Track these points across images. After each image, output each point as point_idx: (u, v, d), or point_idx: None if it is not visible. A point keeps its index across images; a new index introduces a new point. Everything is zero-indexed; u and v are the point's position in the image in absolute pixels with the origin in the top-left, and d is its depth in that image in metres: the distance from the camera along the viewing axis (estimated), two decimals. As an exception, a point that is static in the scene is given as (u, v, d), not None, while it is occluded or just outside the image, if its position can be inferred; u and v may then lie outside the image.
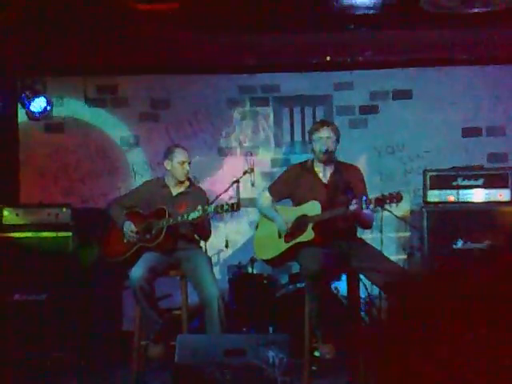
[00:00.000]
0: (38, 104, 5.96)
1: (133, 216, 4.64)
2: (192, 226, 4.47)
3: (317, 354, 4.15)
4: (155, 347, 4.37)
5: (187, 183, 4.77)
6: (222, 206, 4.24)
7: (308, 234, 4.03)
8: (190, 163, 4.70)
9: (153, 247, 4.45)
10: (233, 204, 4.23)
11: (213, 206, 4.32)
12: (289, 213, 4.20)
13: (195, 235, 4.64)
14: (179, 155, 4.64)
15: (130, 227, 4.54)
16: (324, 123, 4.31)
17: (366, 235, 4.67)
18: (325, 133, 4.19)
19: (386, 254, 4.43)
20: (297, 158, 5.94)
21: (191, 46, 5.68)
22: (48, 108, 5.99)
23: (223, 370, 3.32)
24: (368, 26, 5.24)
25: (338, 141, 4.23)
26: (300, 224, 4.09)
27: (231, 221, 5.50)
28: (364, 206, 3.79)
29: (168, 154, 4.68)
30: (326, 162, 4.22)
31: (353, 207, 3.82)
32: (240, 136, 6.38)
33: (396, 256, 5.86)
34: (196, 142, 6.30)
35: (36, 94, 5.94)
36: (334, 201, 4.08)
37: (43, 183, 6.29)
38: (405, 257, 5.82)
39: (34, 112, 5.99)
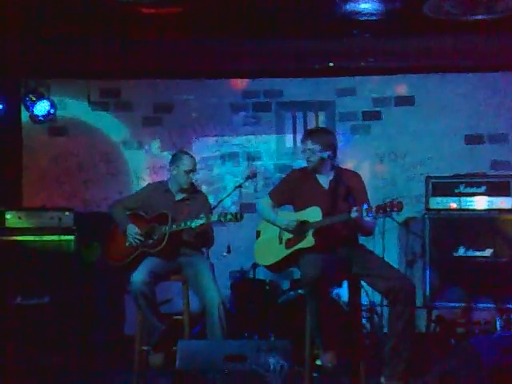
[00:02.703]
0: (42, 107, 5.99)
1: (135, 219, 4.64)
2: (195, 233, 4.47)
3: (318, 362, 4.14)
4: (156, 356, 4.37)
5: (190, 189, 4.77)
6: (226, 214, 4.24)
7: (308, 241, 4.03)
8: (195, 172, 4.71)
9: (155, 253, 4.45)
10: (236, 214, 4.23)
11: (216, 214, 4.31)
12: (290, 218, 4.19)
13: (198, 242, 4.63)
14: (187, 163, 4.64)
15: (134, 230, 4.54)
16: (309, 134, 4.28)
17: (368, 241, 4.67)
18: (307, 145, 4.20)
19: (387, 260, 4.43)
20: (299, 164, 5.92)
21: (194, 51, 5.69)
22: (51, 111, 6.02)
23: (224, 375, 3.32)
24: (371, 33, 5.24)
25: (325, 150, 4.17)
26: (301, 230, 4.08)
27: (233, 226, 5.48)
28: (365, 213, 3.79)
29: (176, 160, 4.68)
30: (327, 168, 4.21)
31: (354, 214, 3.82)
32: (242, 141, 6.39)
33: (397, 263, 5.86)
34: (199, 146, 6.31)
35: (40, 97, 5.96)
36: (335, 207, 4.08)
37: (46, 186, 6.30)
38: (406, 263, 5.83)
39: (37, 115, 6.02)
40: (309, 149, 4.18)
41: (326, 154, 4.16)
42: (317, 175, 4.27)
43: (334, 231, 4.05)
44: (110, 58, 5.79)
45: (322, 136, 4.24)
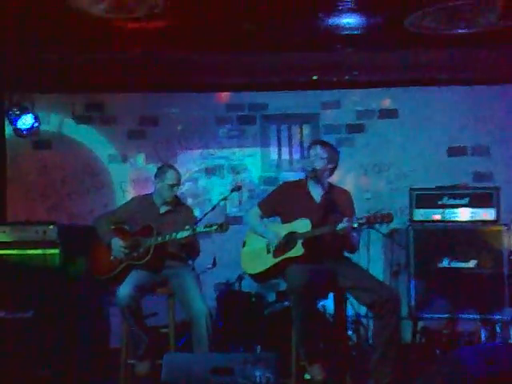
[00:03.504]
0: (26, 121, 5.96)
1: (119, 233, 4.63)
2: (180, 245, 4.47)
3: (307, 376, 4.13)
4: (142, 364, 4.36)
5: (175, 201, 4.78)
6: (211, 225, 4.24)
7: (297, 250, 4.05)
8: (179, 186, 4.70)
9: (141, 265, 4.44)
10: (221, 224, 4.22)
11: (202, 225, 4.31)
12: (278, 229, 4.21)
13: (183, 253, 4.63)
14: (171, 177, 4.65)
15: (118, 242, 4.53)
16: (317, 142, 4.36)
17: (353, 254, 4.69)
18: (315, 151, 4.22)
19: (372, 272, 4.45)
20: (284, 176, 5.98)
21: (179, 65, 5.71)
22: (35, 125, 6.00)
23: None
24: (354, 46, 5.29)
25: (329, 160, 4.23)
26: (289, 240, 4.10)
27: (219, 239, 5.50)
28: (356, 223, 3.83)
29: (160, 173, 4.69)
30: (315, 180, 4.24)
31: (343, 225, 3.85)
32: (228, 154, 6.41)
33: (382, 274, 5.89)
34: (184, 159, 6.32)
35: (23, 111, 5.94)
36: (324, 220, 4.11)
37: (30, 200, 6.28)
38: (391, 275, 5.86)
39: (21, 129, 6.00)
40: (316, 155, 4.20)
41: (330, 165, 4.21)
42: (310, 189, 4.29)
43: (323, 242, 4.07)
44: (94, 72, 5.79)
45: (331, 148, 4.31)
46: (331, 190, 4.22)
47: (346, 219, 3.85)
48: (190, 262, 4.82)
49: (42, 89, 6.16)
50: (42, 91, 6.20)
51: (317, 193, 4.26)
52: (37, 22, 4.54)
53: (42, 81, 5.98)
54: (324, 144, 4.30)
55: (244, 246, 4.40)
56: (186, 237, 4.32)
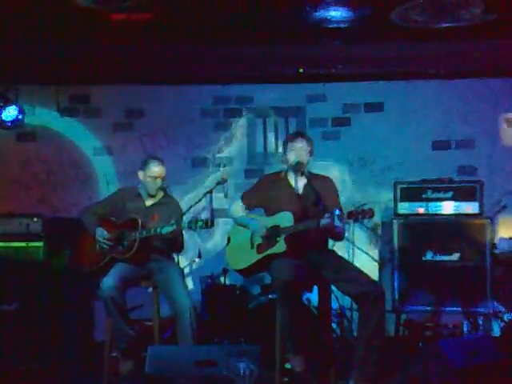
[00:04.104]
0: (10, 113, 5.92)
1: (105, 223, 4.62)
2: (165, 239, 4.46)
3: (288, 366, 4.16)
4: (126, 363, 4.36)
5: (161, 194, 4.77)
6: (197, 221, 4.22)
7: (280, 246, 4.05)
8: (163, 179, 4.68)
9: (125, 259, 4.43)
10: (207, 221, 4.21)
11: (187, 221, 4.29)
12: (261, 222, 4.21)
13: (168, 248, 4.62)
14: (153, 169, 4.62)
15: (102, 234, 4.52)
16: (299, 134, 4.35)
17: (338, 247, 4.70)
18: (299, 144, 4.22)
19: (357, 265, 4.47)
20: (270, 169, 5.96)
21: (165, 57, 5.69)
22: (20, 117, 5.95)
23: (194, 381, 3.32)
24: (341, 40, 5.30)
25: (311, 153, 4.27)
26: (272, 235, 4.10)
27: (204, 232, 5.49)
28: (336, 219, 3.82)
29: (143, 165, 4.67)
30: (298, 173, 4.24)
31: (325, 221, 3.85)
32: (213, 147, 6.40)
33: (367, 267, 5.90)
34: (170, 152, 6.30)
35: (8, 103, 5.89)
36: (306, 212, 4.11)
37: (14, 193, 6.23)
38: (376, 268, 5.88)
39: (5, 121, 5.95)
40: (301, 148, 4.19)
41: (311, 157, 4.22)
42: (290, 180, 4.29)
43: (305, 237, 4.07)
44: (79, 64, 5.75)
45: (310, 139, 4.32)
46: (312, 179, 4.19)
47: (327, 215, 3.84)
48: (175, 255, 4.82)
49: (26, 80, 6.11)
50: (27, 83, 6.15)
51: (297, 184, 4.26)
52: (21, 12, 4.51)
53: (27, 72, 5.93)
54: (305, 136, 4.31)
55: (228, 242, 4.39)
56: (170, 232, 4.31)
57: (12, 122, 5.95)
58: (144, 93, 6.33)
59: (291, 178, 4.30)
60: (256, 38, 5.19)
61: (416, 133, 6.22)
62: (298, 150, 4.20)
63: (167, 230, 4.30)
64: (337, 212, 3.82)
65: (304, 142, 4.22)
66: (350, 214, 3.82)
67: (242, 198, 4.41)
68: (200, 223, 4.21)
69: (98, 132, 6.36)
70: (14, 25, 4.75)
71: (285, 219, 4.09)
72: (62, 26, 4.79)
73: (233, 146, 6.41)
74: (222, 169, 6.24)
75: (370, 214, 3.79)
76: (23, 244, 5.31)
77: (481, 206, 5.44)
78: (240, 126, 6.41)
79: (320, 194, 4.01)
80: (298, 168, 4.20)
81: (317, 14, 4.68)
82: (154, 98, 6.35)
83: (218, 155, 6.37)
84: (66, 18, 4.62)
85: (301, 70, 6.05)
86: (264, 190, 4.34)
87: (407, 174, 5.98)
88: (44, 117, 6.32)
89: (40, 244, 5.32)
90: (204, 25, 4.87)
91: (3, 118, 5.92)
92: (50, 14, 4.56)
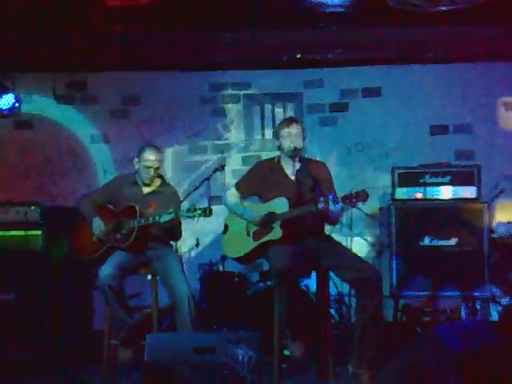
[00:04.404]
0: (7, 100, 5.90)
1: (103, 212, 4.61)
2: (163, 228, 4.45)
3: (286, 352, 4.17)
4: (125, 351, 4.36)
5: (158, 181, 4.75)
6: (195, 209, 4.20)
7: (276, 233, 4.05)
8: (158, 168, 4.65)
9: (123, 248, 4.43)
10: (205, 209, 4.19)
11: (185, 209, 4.28)
12: (256, 210, 4.20)
13: (166, 236, 4.62)
14: (147, 158, 4.58)
15: (99, 225, 4.51)
16: (293, 120, 4.32)
17: (336, 232, 4.71)
18: (294, 129, 4.20)
19: (355, 251, 4.47)
20: (268, 156, 5.95)
21: (162, 43, 5.66)
22: (16, 105, 5.94)
23: (193, 368, 3.33)
24: (338, 24, 5.27)
25: (304, 138, 4.26)
26: (268, 221, 4.10)
27: (202, 219, 5.49)
28: (331, 203, 3.81)
29: (139, 153, 4.64)
30: (293, 159, 4.23)
31: (320, 205, 3.84)
32: (211, 133, 6.39)
33: (365, 253, 5.93)
34: (167, 139, 6.30)
35: (4, 91, 5.88)
36: (301, 197, 4.09)
37: (12, 181, 6.23)
38: (374, 254, 5.89)
39: (2, 109, 5.94)
40: (296, 133, 4.18)
41: (304, 142, 4.21)
42: (283, 166, 4.28)
43: (301, 222, 4.06)
44: (75, 51, 5.73)
45: (302, 123, 4.31)
46: (306, 164, 4.16)
47: (321, 199, 3.82)
48: (173, 243, 4.81)
49: (22, 68, 6.08)
50: (23, 70, 6.12)
51: (291, 170, 4.25)
52: (17, 0, 4.48)
53: (23, 59, 5.91)
54: (298, 121, 4.29)
55: (224, 231, 4.38)
56: (168, 220, 4.30)
57: (9, 109, 5.94)
58: (141, 80, 6.31)
59: (286, 164, 4.29)
60: (253, 23, 5.16)
61: (414, 118, 6.22)
62: (294, 136, 4.18)
63: (165, 218, 4.29)
64: (331, 196, 3.81)
65: (299, 128, 4.21)
66: (344, 198, 3.80)
67: (237, 187, 4.39)
68: (198, 211, 4.19)
69: (95, 119, 6.35)
70: (10, 12, 4.72)
71: (280, 205, 4.09)
72: (59, 12, 4.75)
73: (230, 132, 6.40)
74: (219, 156, 6.23)
75: (363, 196, 3.77)
76: (21, 232, 5.30)
77: (478, 191, 5.44)
78: (237, 112, 6.40)
79: (315, 178, 3.99)
80: (294, 154, 4.19)
81: (314, -2, 4.66)
82: (150, 84, 6.33)
83: (216, 142, 6.36)
84: (63, 4, 4.59)
85: (298, 56, 6.03)
86: (258, 177, 4.32)
87: (405, 159, 5.98)
88: (41, 104, 6.31)
89: (38, 232, 5.31)
90: (201, 11, 4.84)
91: (0, 105, 5.91)
92: (46, 1, 4.53)
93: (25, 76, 6.17)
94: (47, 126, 6.32)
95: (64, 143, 6.32)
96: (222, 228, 4.42)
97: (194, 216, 4.22)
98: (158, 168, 4.63)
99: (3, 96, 5.89)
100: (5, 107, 5.94)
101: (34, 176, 6.28)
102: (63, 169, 6.29)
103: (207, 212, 4.19)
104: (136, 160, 4.64)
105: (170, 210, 4.30)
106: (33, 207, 5.38)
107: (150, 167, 4.59)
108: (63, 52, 5.72)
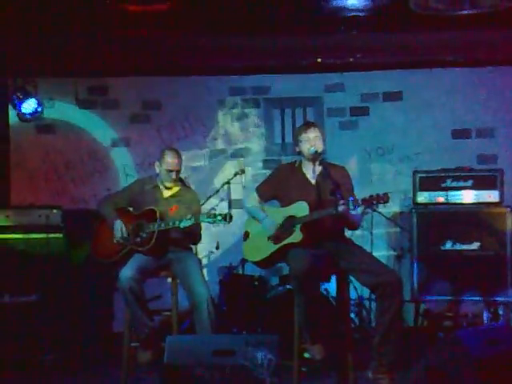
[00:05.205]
0: (29, 105, 5.98)
1: (123, 214, 4.62)
2: (183, 231, 4.45)
3: (306, 355, 4.15)
4: (144, 353, 4.36)
5: (179, 185, 4.76)
6: (215, 215, 4.19)
7: (296, 236, 4.04)
8: (179, 171, 4.66)
9: (144, 251, 4.44)
10: (225, 215, 4.18)
11: (205, 214, 4.27)
12: (276, 213, 4.20)
13: (185, 239, 4.62)
14: (170, 161, 4.59)
15: (120, 227, 4.52)
16: (311, 124, 4.32)
17: (356, 236, 4.67)
18: (313, 133, 4.20)
19: (375, 255, 4.44)
20: (288, 160, 5.95)
21: (182, 48, 5.69)
22: (39, 109, 6.02)
23: (212, 370, 3.32)
24: (358, 28, 5.26)
25: (324, 141, 4.26)
26: (288, 225, 4.09)
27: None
28: (351, 206, 3.79)
29: (160, 156, 4.66)
30: (314, 162, 4.23)
31: (341, 208, 3.82)
32: (231, 137, 6.40)
33: (386, 257, 5.89)
34: (187, 143, 6.33)
35: (27, 96, 5.95)
36: (322, 201, 4.08)
37: (34, 184, 6.29)
38: (395, 258, 5.85)
39: (24, 113, 6.02)
40: (315, 136, 4.18)
41: (324, 146, 4.21)
42: (304, 169, 4.28)
43: (322, 226, 4.05)
44: (97, 56, 5.78)
45: (320, 127, 4.32)
46: (326, 168, 4.13)
47: (342, 202, 3.81)
48: (193, 246, 4.82)
49: (44, 73, 6.15)
50: (45, 75, 6.19)
51: (311, 173, 4.25)
52: (39, 5, 4.53)
53: (45, 65, 5.97)
54: (316, 125, 4.29)
55: (245, 238, 4.36)
56: (189, 226, 4.31)
57: (31, 114, 6.02)
58: (161, 84, 6.34)
59: (306, 167, 4.28)
60: (273, 27, 5.16)
61: (435, 122, 6.18)
62: (313, 140, 4.17)
63: (185, 224, 4.29)
64: (351, 199, 3.79)
65: (317, 131, 4.21)
66: (365, 201, 3.79)
67: (257, 191, 4.39)
68: (219, 217, 4.18)
69: (116, 124, 6.40)
70: (32, 18, 4.77)
71: (300, 209, 4.08)
72: (80, 18, 4.80)
73: (250, 136, 6.41)
74: (239, 160, 6.23)
75: (384, 198, 3.76)
76: (43, 235, 5.35)
77: (501, 195, 5.38)
78: (257, 116, 6.40)
79: (335, 182, 3.98)
80: (315, 157, 4.18)
81: (335, 2, 4.65)
82: (171, 89, 6.36)
83: (236, 146, 6.37)
84: (84, 10, 4.63)
85: (318, 60, 6.02)
86: (279, 181, 4.32)
87: (426, 164, 5.95)
88: (63, 109, 6.36)
89: (60, 235, 5.36)
90: (221, 15, 4.85)
91: (23, 110, 5.99)
92: (67, 7, 4.57)
93: (47, 81, 6.24)
94: (69, 130, 6.38)
95: (85, 147, 6.37)
96: (242, 231, 4.41)
97: (214, 222, 4.21)
98: (179, 171, 4.65)
99: (26, 101, 5.96)
100: (27, 112, 6.01)
101: (56, 179, 6.33)
102: (84, 172, 6.34)
103: (227, 218, 4.18)
104: (157, 163, 4.66)
105: (190, 216, 4.29)
106: (54, 210, 5.42)
107: (172, 170, 4.60)
108: (85, 57, 5.77)
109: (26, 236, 5.34)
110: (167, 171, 4.60)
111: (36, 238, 5.34)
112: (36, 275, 5.19)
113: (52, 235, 5.35)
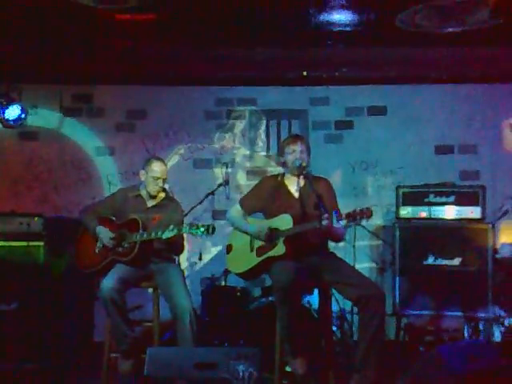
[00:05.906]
0: (13, 112, 5.93)
1: (106, 223, 4.59)
2: (165, 242, 4.42)
3: (288, 369, 4.14)
4: (125, 362, 4.33)
5: (163, 195, 4.74)
6: (198, 227, 4.17)
7: (279, 249, 4.04)
8: (165, 179, 4.66)
9: (126, 261, 4.41)
10: (208, 227, 4.16)
11: (188, 226, 4.25)
12: (260, 226, 4.20)
13: (168, 250, 4.60)
14: (155, 170, 4.59)
15: (106, 233, 4.49)
16: (297, 137, 4.33)
17: (339, 249, 4.68)
18: (299, 146, 4.21)
19: (358, 267, 4.45)
20: (273, 172, 5.97)
21: (168, 58, 5.69)
22: (22, 116, 5.97)
23: (193, 383, 3.31)
24: (345, 43, 5.29)
25: (309, 155, 4.27)
26: (271, 238, 4.09)
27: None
28: (335, 220, 3.80)
29: (145, 165, 4.65)
30: (298, 176, 4.23)
31: (324, 222, 3.83)
32: (215, 148, 6.40)
33: (368, 271, 5.91)
34: (172, 153, 6.31)
35: (11, 102, 5.90)
36: (305, 214, 4.09)
37: (16, 191, 6.24)
38: (377, 272, 5.87)
39: (8, 119, 5.96)
40: (301, 150, 4.19)
41: (309, 159, 4.21)
42: (287, 183, 4.28)
43: (305, 239, 4.06)
44: (82, 64, 5.76)
45: (306, 140, 4.33)
46: (309, 181, 4.14)
47: (325, 216, 3.82)
48: (175, 257, 4.80)
49: (29, 80, 6.11)
50: (30, 82, 6.15)
51: (295, 186, 4.25)
52: (25, 12, 4.50)
53: (30, 71, 5.94)
54: (303, 138, 4.30)
55: (228, 251, 4.36)
56: (171, 237, 4.29)
57: (14, 120, 5.97)
58: (147, 93, 6.33)
59: (289, 180, 4.29)
60: (259, 40, 5.18)
61: (419, 137, 6.22)
62: (299, 153, 4.19)
63: (167, 235, 4.27)
64: (335, 213, 3.80)
65: (303, 145, 4.22)
66: (348, 215, 3.80)
67: (241, 204, 4.38)
68: (201, 229, 4.15)
69: (101, 132, 6.37)
70: (17, 24, 4.75)
71: (284, 222, 4.08)
72: (66, 25, 4.78)
73: (235, 147, 6.41)
74: (223, 171, 6.23)
75: (367, 213, 3.76)
76: (23, 243, 5.30)
77: (483, 211, 5.42)
78: (243, 128, 6.41)
79: (318, 195, 3.98)
80: (300, 170, 4.19)
81: (321, 17, 4.67)
82: (156, 98, 6.35)
83: (220, 157, 6.37)
84: (70, 17, 4.62)
85: (304, 73, 6.05)
86: (262, 194, 4.31)
87: (409, 178, 5.98)
88: (47, 117, 6.33)
89: (40, 243, 5.31)
90: (207, 26, 4.86)
91: (6, 116, 5.93)
92: (54, 14, 4.55)
93: (31, 88, 6.20)
94: (52, 137, 6.34)
95: (69, 155, 6.34)
96: (225, 242, 4.40)
97: (196, 233, 4.19)
98: (165, 179, 4.65)
99: (9, 107, 5.91)
100: (11, 118, 5.96)
101: (39, 187, 6.28)
102: (68, 180, 6.30)
103: (210, 230, 4.16)
104: (142, 172, 4.64)
105: (172, 227, 4.28)
106: (36, 218, 5.38)
107: (158, 178, 4.60)
108: (70, 65, 5.75)
109: (6, 244, 5.29)
110: (154, 179, 4.59)
111: (16, 246, 5.29)
112: (16, 283, 5.14)
113: (33, 243, 5.30)
